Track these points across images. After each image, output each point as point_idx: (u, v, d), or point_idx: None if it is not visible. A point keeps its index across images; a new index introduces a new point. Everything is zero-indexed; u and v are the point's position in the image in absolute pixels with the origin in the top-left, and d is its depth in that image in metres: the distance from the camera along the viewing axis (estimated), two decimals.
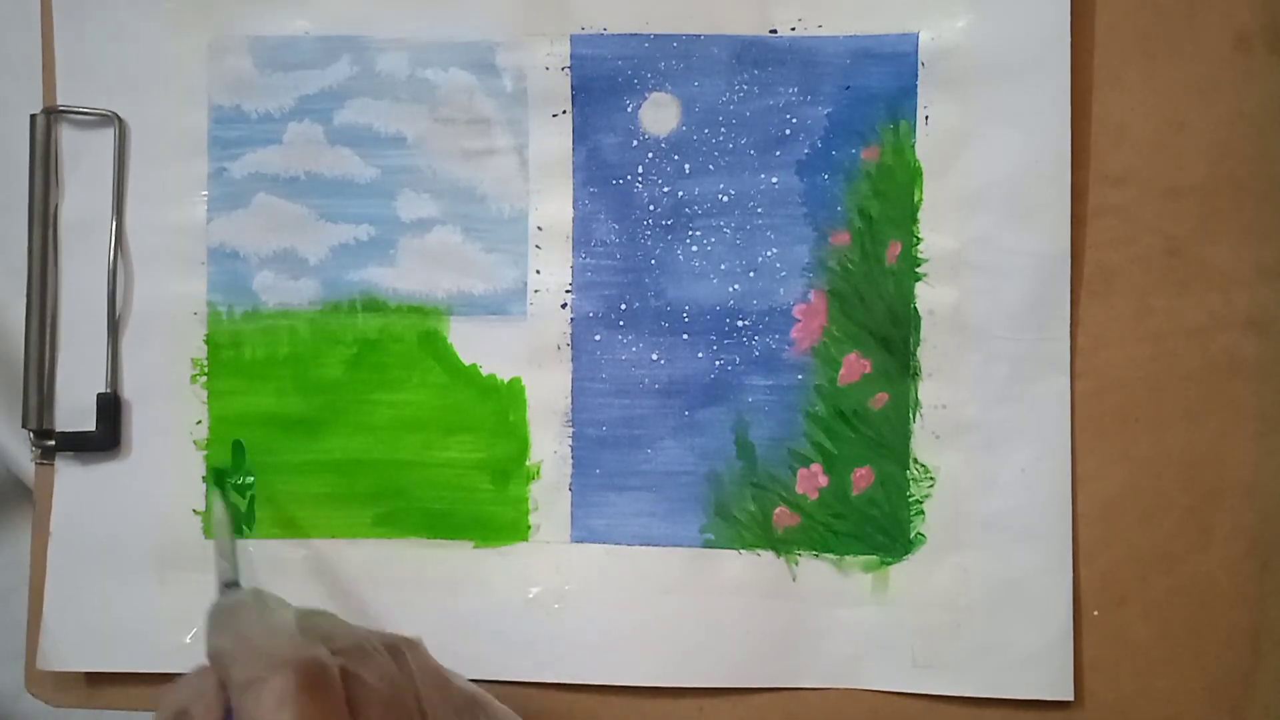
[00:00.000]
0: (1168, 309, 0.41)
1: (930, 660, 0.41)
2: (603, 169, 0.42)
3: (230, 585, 0.37)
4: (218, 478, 0.43)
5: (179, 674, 0.42)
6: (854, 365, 0.42)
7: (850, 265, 0.42)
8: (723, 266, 0.42)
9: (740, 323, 0.42)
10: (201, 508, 0.43)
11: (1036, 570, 0.41)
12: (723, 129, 0.42)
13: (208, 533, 0.43)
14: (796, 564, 0.42)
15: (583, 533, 0.42)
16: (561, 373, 0.42)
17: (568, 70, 0.42)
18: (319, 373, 0.43)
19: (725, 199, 0.42)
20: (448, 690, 0.33)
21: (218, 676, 0.31)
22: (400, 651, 0.32)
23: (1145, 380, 0.41)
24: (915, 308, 0.41)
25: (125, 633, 0.42)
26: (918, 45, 0.41)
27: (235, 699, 0.29)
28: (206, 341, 0.43)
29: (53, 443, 0.43)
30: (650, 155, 0.42)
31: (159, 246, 0.43)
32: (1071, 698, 0.41)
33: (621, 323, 0.42)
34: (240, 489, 0.43)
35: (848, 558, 0.42)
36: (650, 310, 0.42)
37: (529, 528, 0.42)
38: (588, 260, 0.42)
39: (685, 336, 0.42)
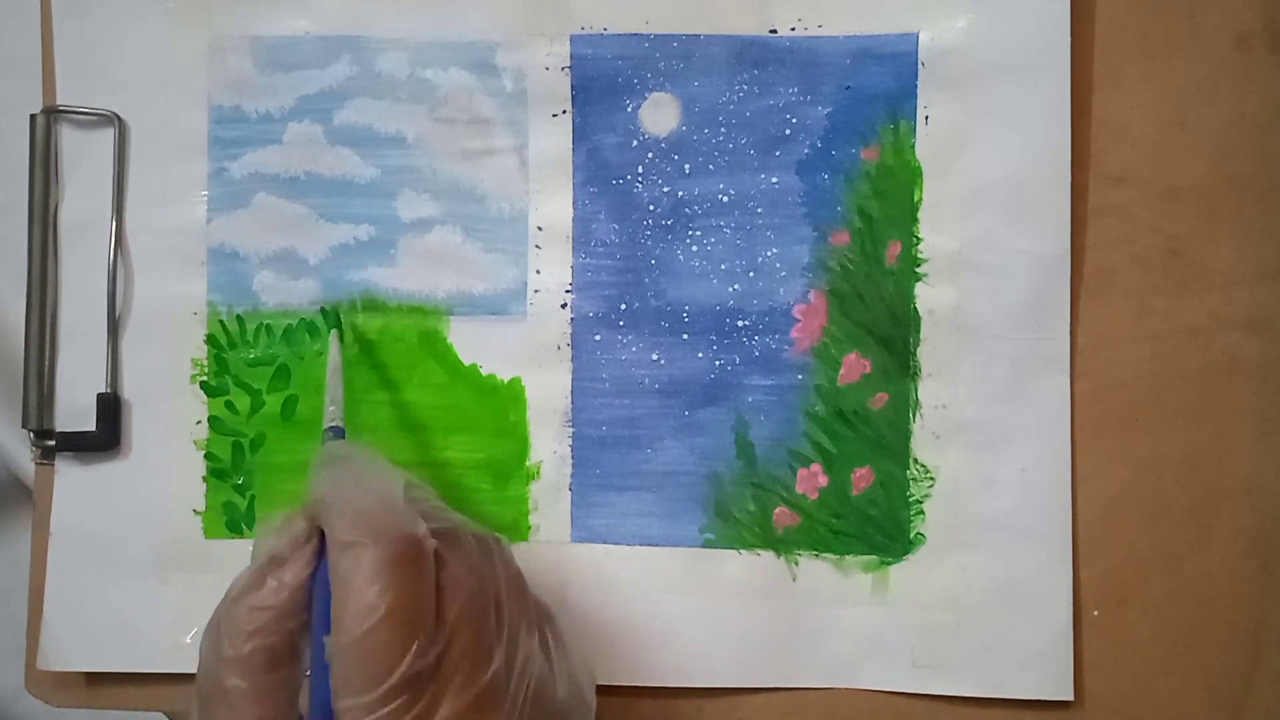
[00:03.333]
0: (1168, 309, 0.41)
1: (930, 660, 0.41)
2: (603, 169, 0.42)
3: (336, 431, 0.37)
4: (334, 320, 0.42)
5: (179, 674, 0.43)
6: (854, 365, 0.42)
7: (850, 265, 0.42)
8: (723, 266, 0.42)
9: (740, 323, 0.42)
10: (202, 507, 0.43)
11: (1036, 570, 0.41)
12: (723, 129, 0.42)
13: (208, 532, 0.43)
14: (796, 564, 0.42)
15: (583, 533, 0.42)
16: (561, 373, 0.42)
17: (568, 70, 0.42)
18: (319, 373, 0.43)
19: (725, 199, 0.42)
20: (524, 595, 0.33)
21: (310, 526, 0.32)
22: (488, 546, 0.33)
23: (1145, 380, 0.41)
24: (915, 308, 0.41)
25: (125, 633, 0.42)
26: (918, 45, 0.41)
27: (333, 555, 0.30)
28: (206, 341, 0.43)
29: (53, 443, 0.43)
30: (650, 155, 0.42)
31: (159, 246, 0.43)
32: (1071, 698, 0.41)
33: (621, 323, 0.42)
34: (240, 489, 0.43)
35: (848, 558, 0.42)
36: (650, 310, 0.42)
37: (529, 528, 0.42)
38: (588, 260, 0.42)
39: (685, 336, 0.42)
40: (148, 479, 0.43)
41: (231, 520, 0.43)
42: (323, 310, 0.42)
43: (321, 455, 0.34)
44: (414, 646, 0.29)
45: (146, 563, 0.43)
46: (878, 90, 0.41)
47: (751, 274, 0.42)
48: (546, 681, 0.33)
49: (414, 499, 0.32)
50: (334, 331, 0.42)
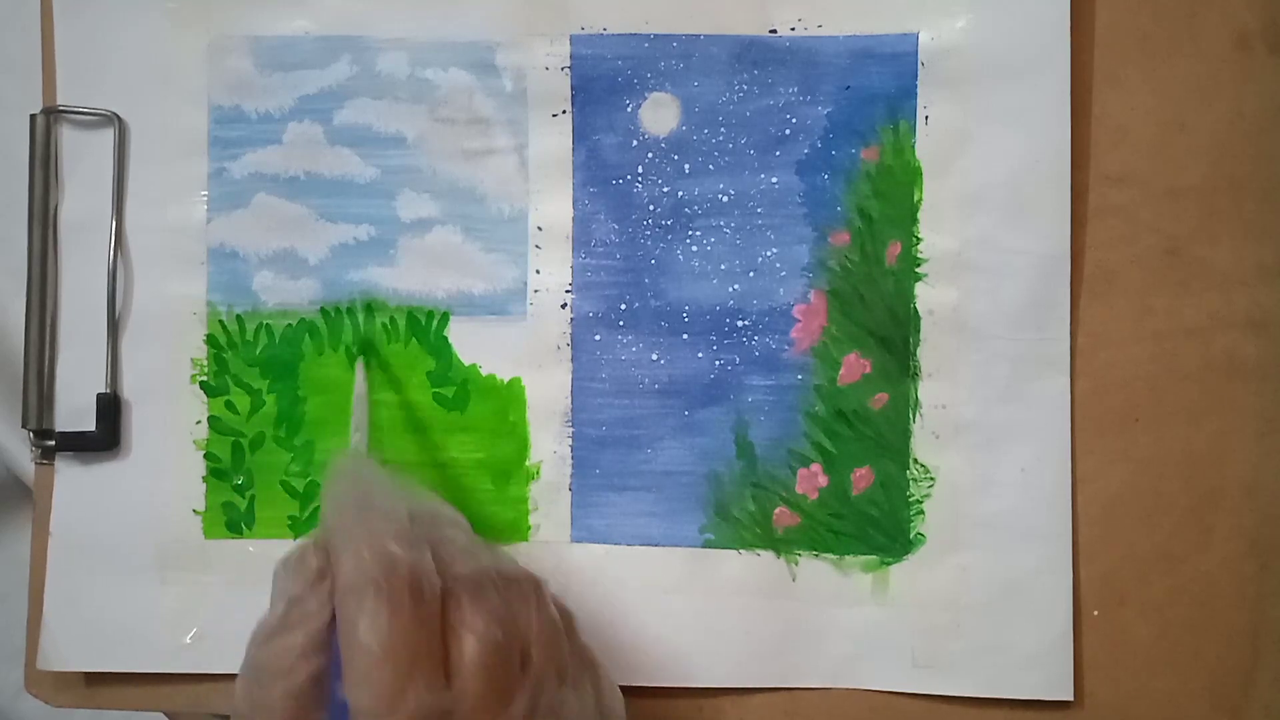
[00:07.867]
0: (1168, 309, 0.41)
1: (930, 660, 0.41)
2: (603, 169, 0.42)
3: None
4: (364, 347, 0.42)
5: (179, 674, 0.43)
6: (854, 365, 0.42)
7: (850, 265, 0.42)
8: (723, 266, 0.42)
9: (740, 323, 0.42)
10: (201, 507, 0.43)
11: (1036, 570, 0.41)
12: (723, 129, 0.42)
13: (207, 532, 0.43)
14: (796, 564, 0.42)
15: (583, 533, 0.42)
16: (561, 373, 0.42)
17: (568, 70, 0.42)
18: (319, 373, 0.43)
19: (725, 199, 0.42)
20: (558, 645, 0.32)
21: (324, 562, 0.31)
22: (525, 592, 0.32)
23: (1145, 380, 0.41)
24: (915, 308, 0.41)
25: (125, 633, 0.42)
26: (918, 45, 0.41)
27: (337, 598, 0.30)
28: (206, 341, 0.43)
29: (53, 443, 0.43)
30: (650, 155, 0.42)
31: (159, 246, 0.43)
32: (1071, 698, 0.41)
33: (621, 323, 0.42)
34: (240, 489, 0.43)
35: (848, 558, 0.42)
36: (650, 310, 0.42)
37: (529, 528, 0.42)
38: (588, 260, 0.42)
39: (685, 336, 0.42)
40: (147, 479, 0.43)
41: (231, 520, 0.43)
42: (360, 343, 0.42)
43: (331, 471, 0.34)
44: (415, 687, 0.28)
45: (146, 563, 0.43)
46: (878, 90, 0.41)
47: (751, 274, 0.42)
48: None
49: (445, 538, 0.32)
50: (360, 359, 0.42)
